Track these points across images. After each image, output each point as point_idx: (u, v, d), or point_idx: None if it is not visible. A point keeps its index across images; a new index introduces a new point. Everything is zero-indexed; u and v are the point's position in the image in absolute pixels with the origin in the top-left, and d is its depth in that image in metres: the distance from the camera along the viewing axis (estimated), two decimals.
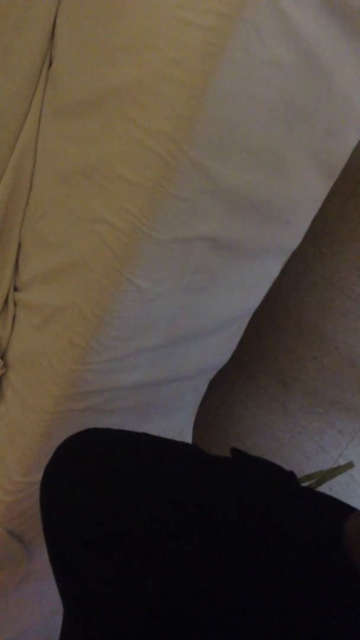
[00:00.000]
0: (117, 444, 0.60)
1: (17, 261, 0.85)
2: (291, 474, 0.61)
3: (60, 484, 0.55)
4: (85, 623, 0.47)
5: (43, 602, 1.08)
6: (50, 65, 0.78)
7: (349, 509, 0.58)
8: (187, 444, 0.68)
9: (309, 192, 0.80)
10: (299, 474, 0.69)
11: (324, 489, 0.93)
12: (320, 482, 0.90)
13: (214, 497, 0.55)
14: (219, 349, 0.95)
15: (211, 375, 1.01)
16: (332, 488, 1.06)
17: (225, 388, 1.29)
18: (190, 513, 0.52)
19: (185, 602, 0.45)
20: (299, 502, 0.59)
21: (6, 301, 0.85)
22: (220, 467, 0.61)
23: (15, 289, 0.86)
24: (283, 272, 0.91)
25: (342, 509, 0.58)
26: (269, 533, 0.51)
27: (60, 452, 0.58)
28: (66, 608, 0.50)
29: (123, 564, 0.48)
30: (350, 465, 0.86)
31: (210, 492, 0.55)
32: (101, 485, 0.53)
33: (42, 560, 0.98)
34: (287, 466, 0.62)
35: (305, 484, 0.92)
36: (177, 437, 0.93)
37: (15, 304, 0.85)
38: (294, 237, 0.86)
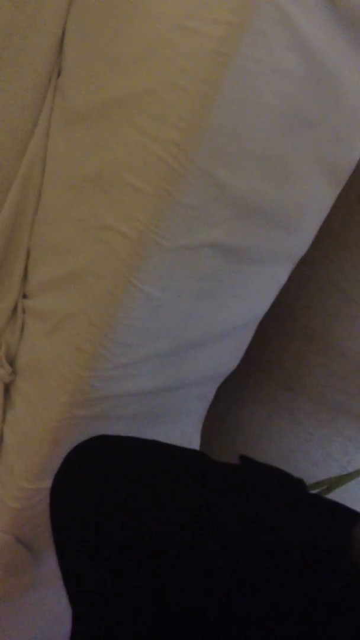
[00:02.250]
0: (126, 451, 0.61)
1: (26, 268, 0.86)
2: (300, 481, 0.61)
3: (70, 490, 0.55)
4: (93, 629, 0.48)
5: (51, 609, 1.08)
6: (59, 74, 0.79)
7: (358, 516, 0.58)
8: (195, 451, 0.68)
9: (316, 199, 0.80)
10: (308, 481, 0.69)
11: (333, 496, 0.93)
12: (329, 490, 0.90)
13: (222, 505, 0.55)
14: (227, 356, 0.94)
15: (218, 382, 1.01)
16: (341, 495, 1.05)
17: (233, 395, 1.28)
18: (198, 522, 0.52)
19: (190, 613, 0.45)
20: (308, 509, 0.59)
21: (15, 308, 0.86)
22: (228, 475, 0.61)
23: (24, 296, 0.86)
24: (290, 279, 0.91)
25: (351, 516, 0.58)
26: (277, 542, 0.51)
27: (70, 459, 0.58)
28: (75, 617, 0.50)
29: (131, 571, 0.48)
30: (359, 472, 0.86)
31: (217, 501, 0.55)
32: (110, 492, 0.54)
33: (50, 567, 0.97)
34: (295, 473, 0.62)
35: (314, 491, 0.92)
36: (185, 444, 0.93)
37: (24, 311, 0.86)
38: (301, 244, 0.86)
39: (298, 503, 0.58)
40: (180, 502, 0.54)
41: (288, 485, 0.61)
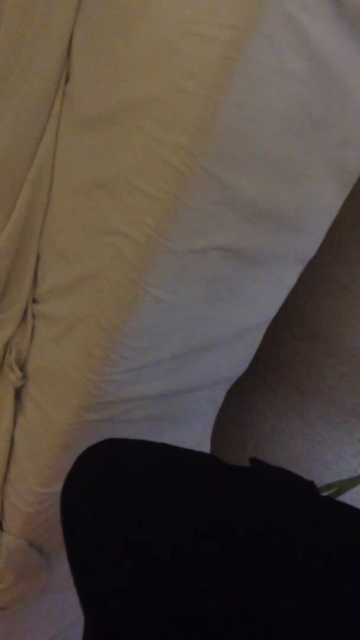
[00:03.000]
0: (136, 454, 0.61)
1: (35, 273, 0.86)
2: (311, 484, 0.61)
3: (81, 494, 0.55)
4: (104, 631, 0.48)
5: (63, 613, 1.08)
6: (67, 81, 0.79)
7: None
8: (205, 454, 0.68)
9: (324, 201, 0.80)
10: (319, 484, 0.68)
11: (344, 498, 0.92)
12: (340, 492, 0.89)
13: (232, 508, 0.55)
14: (236, 359, 0.94)
15: (228, 385, 1.01)
16: (352, 497, 1.05)
17: (243, 398, 1.28)
18: (208, 524, 0.52)
19: (200, 614, 0.45)
20: (319, 512, 0.59)
21: (25, 313, 0.86)
22: (239, 478, 0.61)
23: (34, 301, 0.87)
24: (299, 281, 0.91)
25: None
26: (287, 544, 0.51)
27: (80, 463, 0.59)
28: (86, 617, 0.50)
29: (141, 572, 0.48)
30: None
31: (229, 504, 0.55)
32: (120, 494, 0.54)
33: (62, 571, 0.98)
34: (306, 476, 0.62)
35: (325, 494, 0.91)
36: (196, 447, 0.93)
37: (34, 316, 0.86)
38: (310, 246, 0.86)
39: (308, 505, 0.58)
40: (190, 504, 0.54)
41: (299, 488, 0.61)
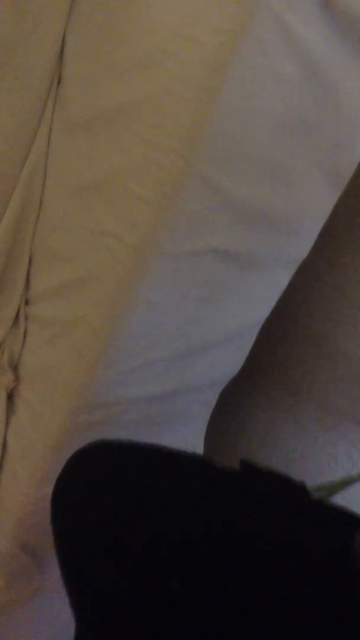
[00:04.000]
0: (127, 455, 0.61)
1: (28, 275, 0.86)
2: (301, 485, 0.61)
3: (71, 497, 0.55)
4: (96, 635, 0.48)
5: (55, 616, 1.08)
6: (59, 83, 0.79)
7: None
8: (197, 456, 0.68)
9: (316, 203, 0.80)
10: (310, 486, 0.68)
11: (336, 499, 0.93)
12: (331, 493, 0.89)
13: (223, 509, 0.55)
14: (229, 361, 0.95)
15: (221, 387, 1.01)
16: (344, 498, 1.05)
17: (236, 400, 1.28)
18: (199, 526, 0.52)
19: (191, 616, 0.45)
20: (310, 513, 0.59)
21: (17, 315, 0.86)
22: (230, 481, 0.61)
23: (26, 303, 0.87)
24: (292, 284, 0.91)
25: (354, 521, 0.58)
26: (278, 546, 0.51)
27: (71, 464, 0.59)
28: (77, 620, 0.50)
29: (133, 573, 0.48)
30: None
31: (218, 505, 0.55)
32: (111, 497, 0.54)
33: (54, 575, 0.97)
34: (299, 477, 0.62)
35: (316, 495, 0.91)
36: (188, 449, 0.92)
37: (26, 318, 0.86)
38: (302, 248, 0.86)
39: (299, 507, 0.58)
40: (181, 506, 0.54)
41: (289, 489, 0.61)
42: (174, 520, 0.52)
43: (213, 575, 0.48)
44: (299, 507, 0.58)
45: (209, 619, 0.45)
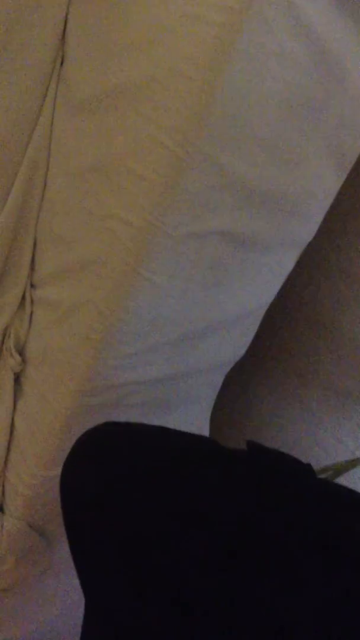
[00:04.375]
0: (134, 436, 0.61)
1: (33, 259, 0.86)
2: (308, 466, 0.62)
3: (80, 476, 0.56)
4: (104, 615, 0.48)
5: (64, 595, 1.09)
6: (62, 63, 0.78)
7: None
8: (204, 437, 0.69)
9: (322, 184, 0.79)
10: (316, 467, 0.69)
11: (341, 480, 0.93)
12: (337, 474, 0.90)
13: (230, 490, 0.55)
14: (234, 343, 0.95)
15: (227, 369, 1.01)
16: (349, 479, 1.06)
17: (241, 382, 1.29)
18: (207, 509, 0.53)
19: (200, 595, 0.46)
20: (317, 494, 0.60)
21: (23, 298, 0.86)
22: (236, 461, 0.61)
23: (32, 286, 0.87)
24: (297, 265, 0.91)
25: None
26: (285, 527, 0.51)
27: (79, 445, 0.59)
28: (87, 600, 0.51)
29: (141, 553, 0.49)
30: None
31: (226, 488, 0.56)
32: (119, 476, 0.54)
33: (63, 554, 0.99)
34: (304, 459, 0.63)
35: (322, 476, 0.92)
36: (194, 431, 0.93)
37: (32, 301, 0.86)
38: (308, 230, 0.86)
39: (305, 488, 0.58)
40: (189, 486, 0.54)
41: (296, 470, 0.61)
42: (182, 500, 0.53)
43: (219, 552, 0.49)
44: (305, 488, 0.58)
45: (212, 593, 0.46)
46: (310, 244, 0.89)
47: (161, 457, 0.58)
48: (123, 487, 0.54)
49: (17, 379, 0.88)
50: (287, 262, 0.88)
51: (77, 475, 0.56)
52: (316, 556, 0.49)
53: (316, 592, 0.46)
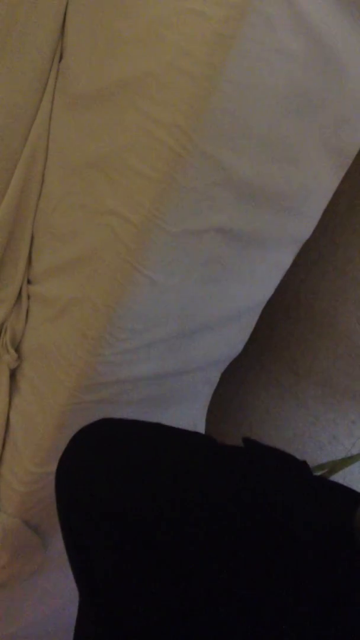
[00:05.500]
0: (130, 433, 0.61)
1: (30, 254, 0.86)
2: (304, 464, 0.62)
3: (75, 472, 0.56)
4: (99, 609, 0.48)
5: (58, 592, 1.09)
6: (61, 58, 0.78)
7: None
8: (200, 434, 0.69)
9: (320, 182, 0.79)
10: (312, 464, 0.69)
11: (336, 478, 0.93)
12: (332, 472, 0.90)
13: (226, 488, 0.55)
14: (232, 340, 0.95)
15: (224, 366, 1.01)
16: (345, 477, 1.06)
17: (238, 379, 1.29)
18: (201, 504, 0.53)
19: (191, 591, 0.46)
20: (312, 491, 0.60)
21: (20, 294, 0.86)
22: (232, 458, 0.61)
23: (29, 282, 0.86)
24: (295, 263, 0.91)
25: (354, 498, 0.58)
26: (280, 525, 0.51)
27: (76, 441, 0.59)
28: (81, 595, 0.51)
29: (132, 547, 0.49)
30: None
31: (222, 484, 0.56)
32: (114, 473, 0.54)
33: (57, 551, 0.99)
34: (300, 456, 0.63)
35: (317, 474, 0.92)
36: (191, 428, 0.93)
37: (28, 297, 0.86)
38: (305, 227, 0.86)
39: (301, 485, 0.59)
40: (184, 481, 0.54)
41: (291, 467, 0.61)
42: (177, 495, 0.53)
43: (214, 546, 0.49)
44: (301, 484, 0.59)
45: (208, 587, 0.46)
46: (307, 241, 0.89)
47: (157, 453, 0.58)
48: (118, 482, 0.54)
49: (13, 375, 0.88)
50: (285, 259, 0.88)
51: (73, 471, 0.56)
52: (312, 548, 0.49)
53: (309, 583, 0.46)
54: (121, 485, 0.53)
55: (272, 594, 0.46)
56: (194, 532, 0.50)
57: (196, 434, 0.67)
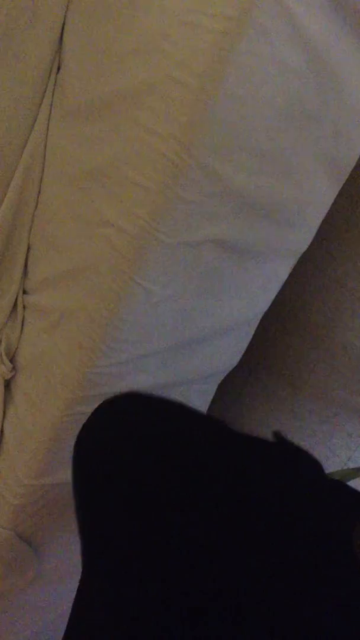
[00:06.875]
0: (155, 408, 0.62)
1: (26, 264, 0.86)
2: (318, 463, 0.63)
3: (95, 442, 0.56)
4: (108, 580, 0.48)
5: (51, 605, 1.08)
6: (58, 69, 0.78)
7: None
8: (219, 420, 0.69)
9: (317, 194, 0.79)
10: None
11: None
12: None
13: (242, 467, 0.56)
14: (227, 352, 0.94)
15: (219, 378, 1.01)
16: None
17: (234, 391, 1.28)
18: (216, 480, 0.53)
19: (197, 567, 0.46)
20: (323, 491, 0.61)
21: (15, 304, 0.86)
22: (250, 442, 0.63)
23: (24, 292, 0.86)
24: (291, 275, 0.91)
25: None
26: (280, 525, 0.51)
27: (99, 412, 0.60)
28: (85, 567, 0.50)
29: (152, 519, 0.49)
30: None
31: (238, 463, 0.56)
32: (134, 445, 0.55)
33: (51, 564, 0.98)
34: None
35: None
36: None
37: (24, 307, 0.86)
38: (302, 240, 0.86)
39: (314, 484, 0.59)
40: (201, 459, 0.55)
41: (314, 461, 0.62)
42: (193, 472, 0.53)
43: (224, 529, 0.49)
44: (313, 483, 0.60)
45: (212, 569, 0.46)
46: (304, 254, 0.89)
47: (178, 430, 0.59)
48: (136, 456, 0.54)
49: (7, 386, 0.88)
50: (282, 272, 0.88)
51: (92, 442, 0.57)
52: (311, 553, 0.49)
53: (308, 589, 0.46)
54: (138, 459, 0.53)
55: (272, 593, 0.46)
56: (205, 512, 0.50)
57: (216, 419, 0.68)
